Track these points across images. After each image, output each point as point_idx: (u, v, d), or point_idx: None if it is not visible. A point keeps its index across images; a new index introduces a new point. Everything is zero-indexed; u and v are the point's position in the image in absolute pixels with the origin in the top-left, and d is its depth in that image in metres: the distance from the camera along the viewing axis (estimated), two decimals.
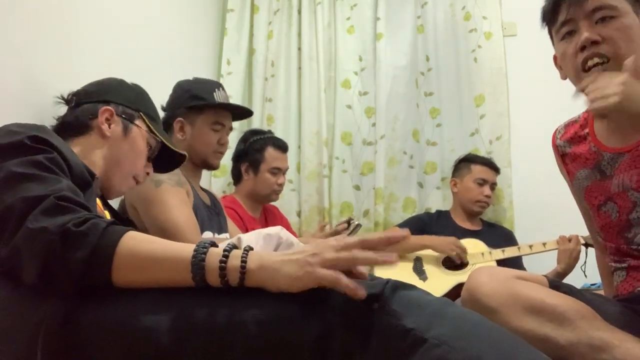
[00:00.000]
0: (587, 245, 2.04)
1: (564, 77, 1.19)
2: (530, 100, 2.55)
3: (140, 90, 1.26)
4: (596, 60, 1.08)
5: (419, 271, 2.22)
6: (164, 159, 1.28)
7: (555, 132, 1.32)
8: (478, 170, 2.38)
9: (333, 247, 0.71)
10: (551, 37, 1.20)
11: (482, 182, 2.36)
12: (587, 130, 1.23)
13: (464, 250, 2.17)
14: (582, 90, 1.02)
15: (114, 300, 0.73)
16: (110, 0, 1.74)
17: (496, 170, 2.41)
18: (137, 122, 1.19)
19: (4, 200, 0.78)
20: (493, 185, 2.39)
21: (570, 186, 1.30)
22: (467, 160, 2.43)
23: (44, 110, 1.22)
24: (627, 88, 0.95)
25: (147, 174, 1.25)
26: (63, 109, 1.19)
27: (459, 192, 2.42)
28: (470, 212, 2.40)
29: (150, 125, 1.21)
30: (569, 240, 2.08)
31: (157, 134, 1.22)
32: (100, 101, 1.16)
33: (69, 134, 1.10)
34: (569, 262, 2.06)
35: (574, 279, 1.99)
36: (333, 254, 0.70)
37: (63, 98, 1.19)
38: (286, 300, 0.68)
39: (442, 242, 2.21)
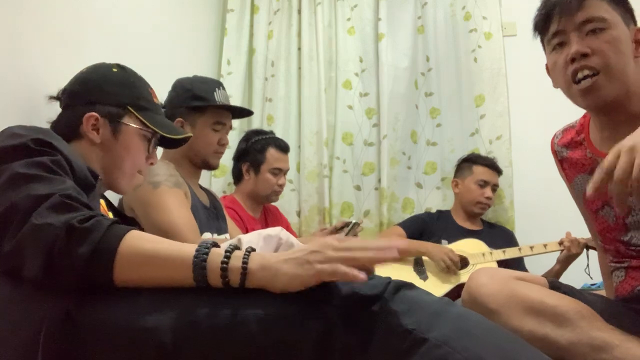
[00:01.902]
0: (588, 247, 2.04)
1: (556, 86, 1.19)
2: (530, 100, 2.55)
3: (125, 79, 1.18)
4: (586, 72, 1.08)
5: (420, 271, 2.22)
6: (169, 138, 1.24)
7: (553, 137, 1.33)
8: (480, 172, 2.37)
9: (333, 247, 0.71)
10: (544, 47, 1.21)
11: (484, 184, 2.35)
12: (583, 136, 1.23)
13: (455, 264, 2.15)
14: (598, 189, 0.88)
15: (115, 299, 0.73)
16: (111, 0, 1.74)
17: (498, 171, 2.40)
18: (126, 119, 1.13)
19: (8, 198, 0.78)
20: (494, 187, 2.38)
21: (570, 190, 1.31)
22: (469, 161, 2.43)
23: (41, 110, 1.22)
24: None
25: (151, 164, 1.21)
26: (58, 108, 1.18)
27: (460, 193, 2.42)
28: (470, 213, 2.40)
29: (141, 118, 1.15)
30: (576, 241, 2.06)
31: (150, 125, 1.15)
32: (85, 104, 1.12)
33: (63, 139, 1.10)
34: (568, 262, 2.07)
35: (574, 279, 2.00)
36: (333, 253, 0.70)
37: (55, 97, 1.18)
38: (287, 300, 0.69)
39: (437, 251, 2.19)
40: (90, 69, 1.19)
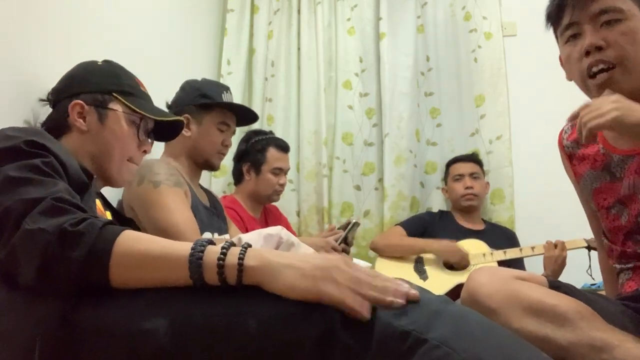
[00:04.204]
0: (589, 248, 2.03)
1: (569, 78, 1.16)
2: (530, 100, 2.55)
3: (109, 69, 1.18)
4: (601, 66, 1.05)
5: (420, 271, 2.22)
6: (164, 128, 1.24)
7: (561, 131, 1.30)
8: (454, 169, 2.45)
9: (342, 271, 0.69)
10: (556, 38, 1.17)
11: (459, 177, 2.41)
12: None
13: (466, 256, 2.16)
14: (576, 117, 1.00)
15: (112, 301, 0.72)
16: (110, 0, 1.74)
17: (473, 160, 2.45)
18: (112, 105, 1.13)
19: (1, 203, 0.78)
20: (473, 175, 2.41)
21: (576, 187, 1.29)
22: (447, 166, 2.52)
23: (39, 111, 1.21)
24: (622, 104, 0.93)
25: (144, 152, 1.20)
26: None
27: (449, 197, 2.49)
28: (464, 210, 2.41)
29: (127, 103, 1.14)
30: (555, 246, 2.08)
31: (137, 109, 1.15)
32: (70, 96, 1.12)
33: (54, 136, 1.08)
34: (554, 268, 2.05)
35: (575, 279, 1.99)
36: (340, 279, 0.68)
37: (45, 99, 1.18)
38: (287, 300, 0.68)
39: (444, 248, 2.20)
40: (76, 66, 1.20)
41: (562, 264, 2.06)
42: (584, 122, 0.96)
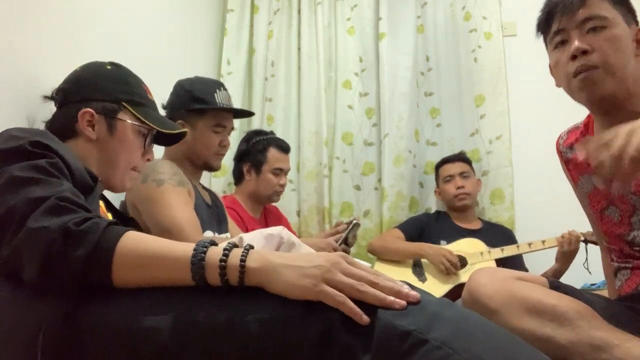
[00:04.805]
0: (586, 241, 2.04)
1: (558, 85, 1.20)
2: (530, 100, 2.55)
3: (118, 74, 1.17)
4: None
5: (419, 272, 2.22)
6: (166, 135, 1.23)
7: (558, 138, 1.34)
8: (443, 171, 2.46)
9: (343, 269, 0.69)
10: (546, 46, 1.22)
11: (450, 178, 2.42)
12: (587, 137, 1.24)
13: (454, 265, 2.14)
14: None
15: (114, 300, 0.73)
16: (110, 0, 1.74)
17: (461, 160, 2.46)
18: (121, 115, 1.13)
19: (6, 202, 0.78)
20: (463, 174, 2.41)
21: (575, 191, 1.32)
22: (436, 168, 2.54)
23: (40, 111, 1.21)
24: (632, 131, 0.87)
25: (148, 160, 1.21)
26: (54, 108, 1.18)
27: (442, 198, 2.50)
28: (459, 210, 2.42)
29: (136, 114, 1.14)
30: (569, 238, 2.06)
31: (146, 120, 1.15)
32: (79, 101, 1.11)
33: (59, 138, 1.08)
34: (565, 260, 2.06)
35: (574, 278, 2.00)
36: (342, 278, 0.68)
37: (50, 97, 1.17)
38: (287, 301, 0.68)
39: (435, 253, 2.19)
40: (84, 67, 1.18)
41: (572, 256, 2.06)
42: (606, 173, 0.87)
